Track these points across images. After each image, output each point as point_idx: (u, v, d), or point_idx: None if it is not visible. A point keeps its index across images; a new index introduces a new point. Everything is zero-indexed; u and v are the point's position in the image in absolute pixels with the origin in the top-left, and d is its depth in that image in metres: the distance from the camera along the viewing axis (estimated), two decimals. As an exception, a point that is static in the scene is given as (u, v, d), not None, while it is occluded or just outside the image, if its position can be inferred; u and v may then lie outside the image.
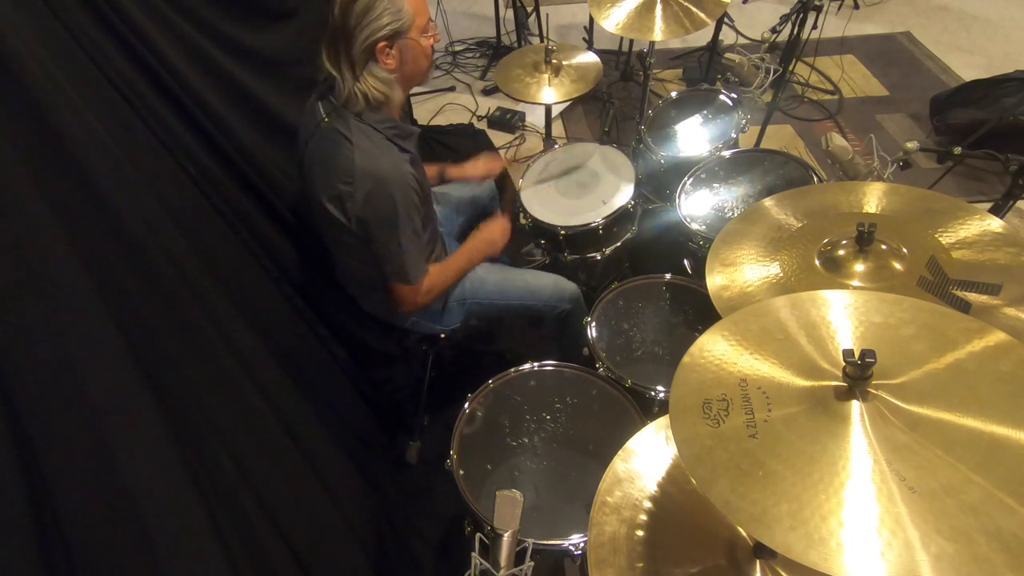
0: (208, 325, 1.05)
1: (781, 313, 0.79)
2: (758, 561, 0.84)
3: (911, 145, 1.45)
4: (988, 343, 0.69)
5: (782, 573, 0.83)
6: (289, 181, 1.53)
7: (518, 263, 2.17)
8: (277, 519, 1.08)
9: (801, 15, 2.15)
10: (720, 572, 0.85)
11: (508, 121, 3.00)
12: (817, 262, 1.06)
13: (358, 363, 1.70)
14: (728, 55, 2.22)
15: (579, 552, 1.12)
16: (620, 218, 1.79)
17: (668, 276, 1.59)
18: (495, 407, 1.36)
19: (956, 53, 3.25)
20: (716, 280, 1.09)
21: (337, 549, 1.31)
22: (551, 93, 1.89)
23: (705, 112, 2.03)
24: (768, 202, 1.21)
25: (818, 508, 0.59)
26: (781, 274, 1.06)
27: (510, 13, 3.29)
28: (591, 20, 3.24)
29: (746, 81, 2.12)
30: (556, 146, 2.08)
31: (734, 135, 1.90)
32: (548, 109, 2.21)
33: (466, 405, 1.34)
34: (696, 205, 1.70)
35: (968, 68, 3.11)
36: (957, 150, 1.49)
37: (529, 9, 3.35)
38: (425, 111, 3.14)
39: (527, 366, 1.40)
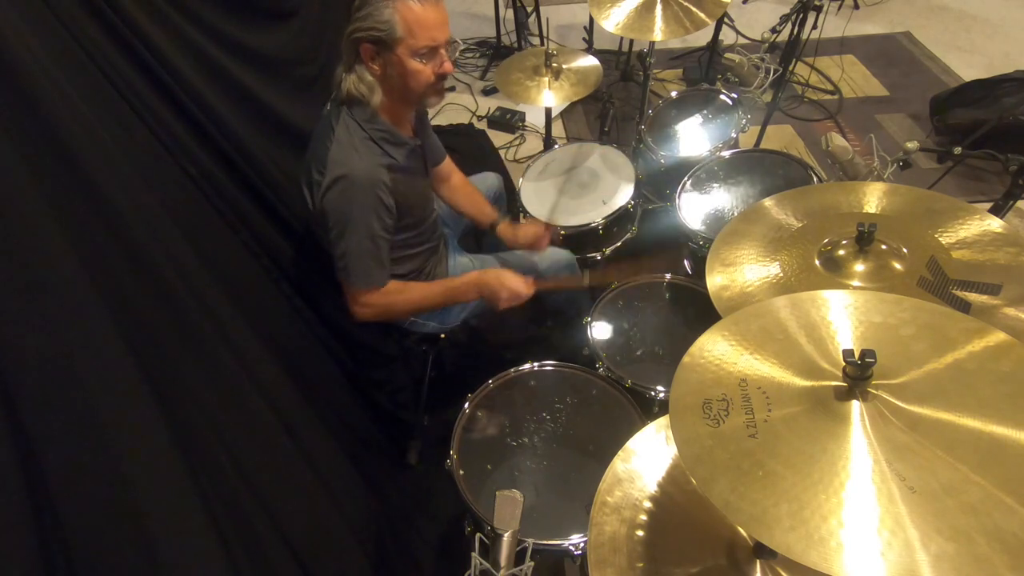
0: (208, 325, 1.05)
1: (781, 313, 0.79)
2: (758, 561, 0.84)
3: (911, 145, 1.45)
4: (988, 343, 0.69)
5: (782, 573, 0.83)
6: (289, 181, 1.53)
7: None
8: (277, 519, 1.08)
9: (801, 15, 2.15)
10: (720, 572, 0.85)
11: (508, 121, 3.00)
12: (817, 262, 1.06)
13: (358, 363, 1.70)
14: (728, 55, 2.23)
15: (579, 552, 1.12)
16: (620, 218, 1.79)
17: (668, 276, 1.59)
18: (495, 407, 1.36)
19: (956, 53, 3.25)
20: (716, 280, 1.09)
21: (337, 549, 1.31)
22: (551, 96, 1.89)
23: (705, 112, 2.03)
24: (768, 202, 1.21)
25: (818, 508, 0.59)
26: (781, 274, 1.06)
27: (510, 13, 3.29)
28: (591, 20, 3.25)
29: (746, 81, 2.13)
30: (556, 146, 2.08)
31: (734, 135, 1.90)
32: (548, 110, 2.21)
33: (466, 405, 1.34)
34: (696, 205, 1.70)
35: (968, 68, 3.11)
36: (957, 150, 1.49)
37: (529, 9, 3.35)
38: (425, 111, 3.14)
39: (527, 366, 1.40)
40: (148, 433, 0.83)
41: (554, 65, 1.89)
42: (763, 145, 2.40)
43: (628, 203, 1.78)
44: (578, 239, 1.79)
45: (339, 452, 1.45)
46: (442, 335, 1.70)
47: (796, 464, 0.64)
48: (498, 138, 2.98)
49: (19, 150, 0.75)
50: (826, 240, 1.08)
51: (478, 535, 1.00)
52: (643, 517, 0.91)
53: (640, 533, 0.89)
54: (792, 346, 0.75)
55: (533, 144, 2.94)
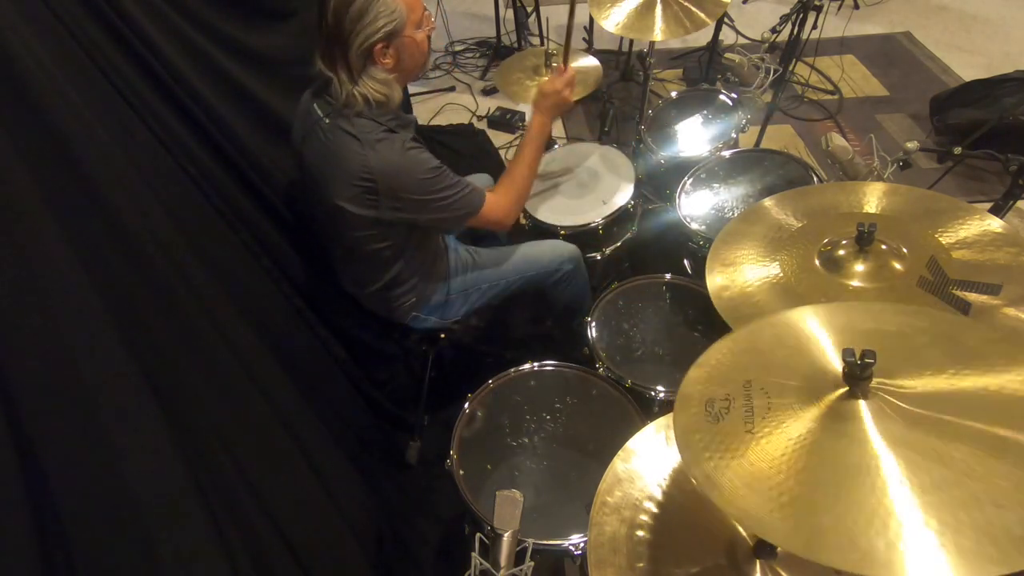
0: (208, 325, 1.05)
1: (793, 322, 0.79)
2: (758, 561, 0.84)
3: (911, 145, 1.45)
4: (994, 345, 0.69)
5: (782, 573, 0.83)
6: (289, 181, 1.53)
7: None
8: (277, 519, 1.08)
9: (801, 15, 2.15)
10: (720, 572, 0.85)
11: (508, 121, 3.00)
12: (817, 262, 1.06)
13: (358, 363, 1.70)
14: (728, 55, 2.23)
15: (579, 552, 1.12)
16: (620, 218, 1.79)
17: (668, 276, 1.59)
18: (495, 407, 1.36)
19: (956, 53, 3.25)
20: (716, 280, 1.09)
21: (337, 549, 1.31)
22: (551, 95, 1.88)
23: (705, 112, 2.03)
24: (768, 202, 1.21)
25: (809, 502, 0.60)
26: (781, 274, 1.06)
27: (510, 13, 3.29)
28: (591, 20, 3.24)
29: (746, 81, 2.13)
30: (556, 146, 2.08)
31: (734, 135, 1.90)
32: (548, 109, 2.21)
33: (466, 405, 1.34)
34: (696, 205, 1.70)
35: (968, 68, 3.11)
36: (957, 150, 1.49)
37: (529, 9, 3.35)
38: (425, 111, 3.14)
39: (527, 366, 1.40)
40: (148, 433, 0.83)
41: (554, 65, 1.89)
42: (763, 145, 2.40)
43: (628, 203, 1.78)
44: (578, 239, 1.79)
45: (339, 452, 1.45)
46: (442, 335, 1.70)
47: (791, 460, 0.64)
48: (498, 138, 2.98)
49: (19, 150, 0.75)
50: (826, 240, 1.08)
51: (478, 535, 1.00)
52: (643, 517, 0.91)
53: (640, 533, 0.89)
54: (801, 354, 0.75)
55: (533, 144, 2.94)
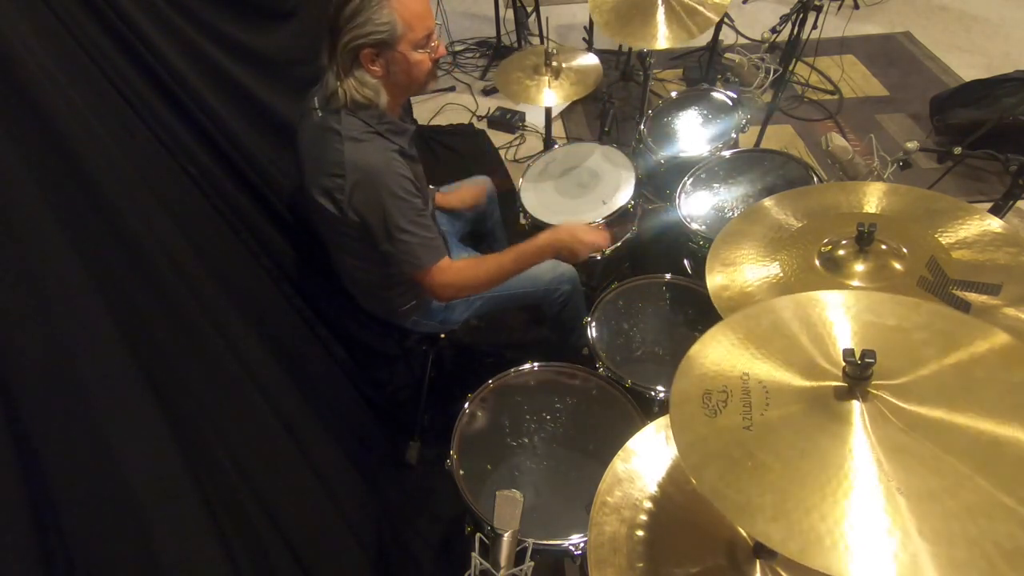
0: (208, 325, 1.05)
1: (786, 313, 0.79)
2: (758, 561, 0.84)
3: (911, 145, 1.45)
4: (992, 345, 0.69)
5: (782, 573, 0.83)
6: (289, 181, 1.53)
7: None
8: (277, 519, 1.08)
9: (801, 15, 2.15)
10: (720, 572, 0.85)
11: (508, 121, 3.00)
12: (817, 262, 1.06)
13: (358, 363, 1.70)
14: (728, 55, 2.23)
15: (579, 552, 1.12)
16: (620, 218, 1.79)
17: (668, 276, 1.59)
18: (495, 407, 1.36)
19: (956, 53, 3.25)
20: (716, 280, 1.09)
21: (337, 549, 1.31)
22: (551, 95, 1.88)
23: (705, 112, 2.03)
24: (768, 202, 1.21)
25: (816, 505, 0.60)
26: (781, 274, 1.06)
27: (510, 13, 3.29)
28: (591, 20, 3.24)
29: (746, 81, 2.13)
30: (556, 146, 2.08)
31: (734, 135, 1.90)
32: (548, 110, 2.21)
33: (466, 405, 1.34)
34: (696, 205, 1.70)
35: (968, 68, 3.11)
36: (957, 150, 1.49)
37: (529, 9, 3.35)
38: (425, 111, 3.14)
39: (527, 366, 1.40)
40: (148, 433, 0.83)
41: (554, 64, 1.89)
42: (763, 145, 2.40)
43: (628, 203, 1.78)
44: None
45: (339, 452, 1.45)
46: (442, 335, 1.70)
47: (787, 458, 0.64)
48: (498, 138, 2.98)
49: (19, 150, 0.75)
50: (826, 240, 1.08)
51: (478, 535, 1.00)
52: (643, 517, 0.91)
53: (640, 533, 0.89)
54: (795, 345, 0.75)
55: (533, 144, 2.94)
